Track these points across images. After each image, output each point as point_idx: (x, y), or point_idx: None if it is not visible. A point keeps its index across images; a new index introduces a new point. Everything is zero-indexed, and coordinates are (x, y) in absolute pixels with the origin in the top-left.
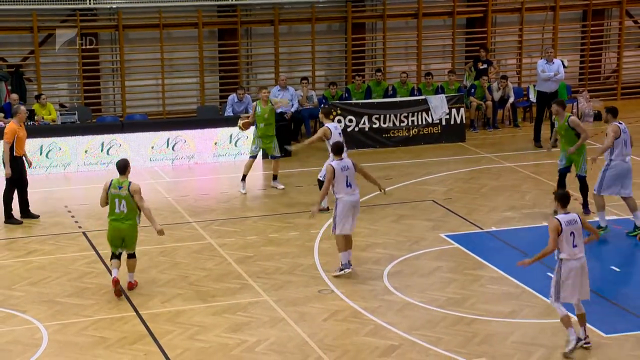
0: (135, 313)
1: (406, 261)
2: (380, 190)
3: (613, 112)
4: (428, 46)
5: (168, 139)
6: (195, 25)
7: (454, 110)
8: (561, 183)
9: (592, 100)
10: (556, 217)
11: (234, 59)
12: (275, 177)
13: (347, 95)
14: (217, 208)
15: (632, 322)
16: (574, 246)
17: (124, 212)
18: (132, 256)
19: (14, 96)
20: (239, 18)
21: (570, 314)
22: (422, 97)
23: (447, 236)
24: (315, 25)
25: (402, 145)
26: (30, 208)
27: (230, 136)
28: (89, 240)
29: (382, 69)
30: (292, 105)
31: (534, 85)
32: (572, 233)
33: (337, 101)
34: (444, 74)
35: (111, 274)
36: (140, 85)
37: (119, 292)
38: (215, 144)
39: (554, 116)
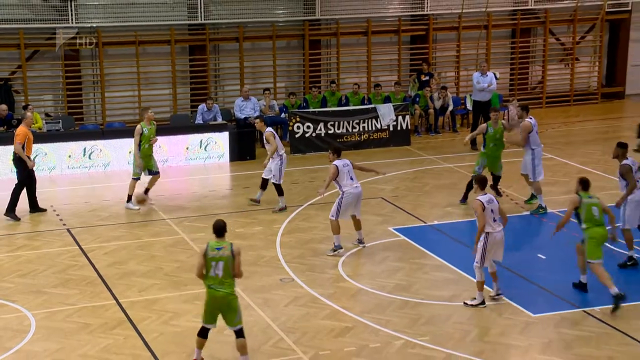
0: (115, 301)
1: (358, 252)
2: (379, 175)
3: (527, 109)
4: (377, 60)
5: None
6: (168, 42)
7: (400, 117)
8: (470, 185)
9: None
10: (477, 198)
11: (203, 72)
12: (147, 191)
13: (305, 104)
14: (189, 206)
15: (556, 303)
16: (494, 220)
17: (219, 275)
18: (239, 334)
19: (3, 107)
20: (208, 36)
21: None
22: (372, 105)
23: (395, 229)
24: (276, 42)
25: (354, 148)
26: (25, 205)
27: (200, 142)
28: (73, 236)
29: (336, 80)
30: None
31: (470, 95)
32: (492, 210)
33: (296, 109)
34: (391, 85)
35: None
36: (119, 96)
37: None
38: (187, 148)
39: (491, 121)
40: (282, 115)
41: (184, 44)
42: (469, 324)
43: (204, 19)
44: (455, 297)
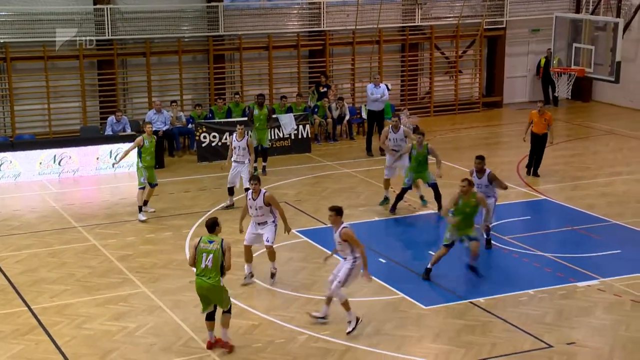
0: (27, 308)
1: (265, 254)
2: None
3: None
4: (278, 73)
5: (55, 156)
6: (76, 57)
7: (300, 127)
8: (401, 196)
9: (411, 117)
10: (345, 226)
11: (112, 86)
12: (146, 203)
13: (210, 115)
14: (100, 214)
15: (445, 295)
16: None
17: (209, 267)
18: (226, 312)
19: None
20: (115, 51)
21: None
22: (275, 115)
23: (298, 231)
24: (182, 57)
25: (258, 156)
26: None
27: (111, 152)
28: None
29: (240, 92)
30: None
31: (365, 105)
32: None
33: (203, 120)
34: (292, 96)
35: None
36: (29, 109)
37: (210, 345)
38: (97, 159)
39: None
40: (189, 125)
41: (93, 59)
42: (367, 318)
43: (112, 35)
44: (354, 293)
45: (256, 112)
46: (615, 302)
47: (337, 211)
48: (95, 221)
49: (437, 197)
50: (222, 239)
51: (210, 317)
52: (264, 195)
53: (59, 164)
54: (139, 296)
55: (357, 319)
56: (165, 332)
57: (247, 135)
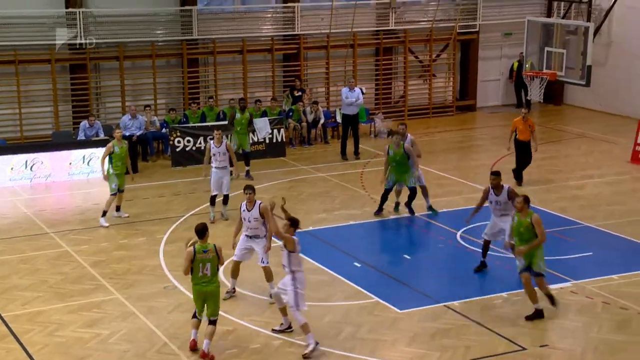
0: None
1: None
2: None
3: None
4: (252, 77)
5: (26, 161)
6: (48, 61)
7: (275, 131)
8: (385, 197)
9: (386, 121)
10: (296, 237)
11: (85, 90)
12: (119, 208)
13: (185, 119)
14: (73, 219)
15: (420, 299)
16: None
17: (207, 274)
18: (213, 323)
19: None
20: (88, 55)
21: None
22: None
23: (273, 236)
24: (155, 61)
25: (240, 160)
26: None
27: (83, 157)
28: None
29: (214, 96)
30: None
31: (340, 109)
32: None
33: (177, 125)
34: (266, 100)
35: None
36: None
37: (193, 345)
38: (70, 164)
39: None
40: (163, 130)
41: (65, 63)
42: (342, 322)
43: (84, 39)
44: (330, 297)
45: (238, 115)
46: (587, 304)
47: (292, 222)
48: (67, 227)
49: (412, 200)
50: (214, 244)
51: (196, 317)
52: (259, 206)
53: (31, 169)
54: (112, 302)
55: (316, 343)
56: (139, 338)
57: (225, 139)
